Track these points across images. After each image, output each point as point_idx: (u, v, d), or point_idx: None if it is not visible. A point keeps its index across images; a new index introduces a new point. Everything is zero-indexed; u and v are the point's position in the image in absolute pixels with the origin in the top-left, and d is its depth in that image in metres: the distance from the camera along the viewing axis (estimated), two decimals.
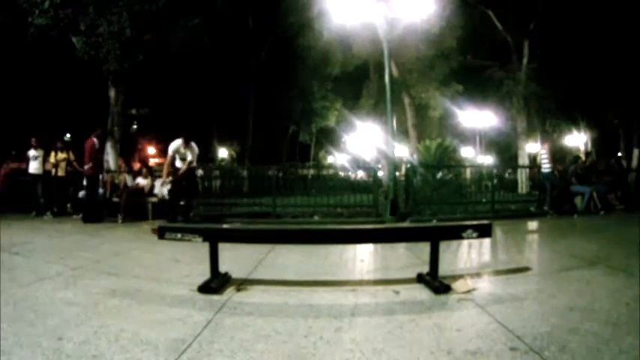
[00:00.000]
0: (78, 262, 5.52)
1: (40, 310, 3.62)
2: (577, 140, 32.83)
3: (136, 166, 15.64)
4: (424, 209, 11.54)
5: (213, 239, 4.36)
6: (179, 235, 4.40)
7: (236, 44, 27.34)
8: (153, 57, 16.03)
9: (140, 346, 2.85)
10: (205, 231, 4.55)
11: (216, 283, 4.22)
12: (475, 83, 27.10)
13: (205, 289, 4.10)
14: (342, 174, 19.94)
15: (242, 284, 4.37)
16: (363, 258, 6.11)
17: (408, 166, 13.57)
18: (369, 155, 34.36)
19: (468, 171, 16.57)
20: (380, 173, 13.58)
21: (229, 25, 25.09)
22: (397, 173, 12.24)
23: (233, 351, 2.79)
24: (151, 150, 36.86)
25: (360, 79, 29.90)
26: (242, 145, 32.99)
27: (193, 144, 10.25)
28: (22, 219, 11.34)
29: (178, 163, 10.17)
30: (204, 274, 4.39)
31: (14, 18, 15.08)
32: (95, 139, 11.19)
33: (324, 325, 3.25)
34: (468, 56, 25.98)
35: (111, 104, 15.45)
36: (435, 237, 4.40)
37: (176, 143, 10.11)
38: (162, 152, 32.27)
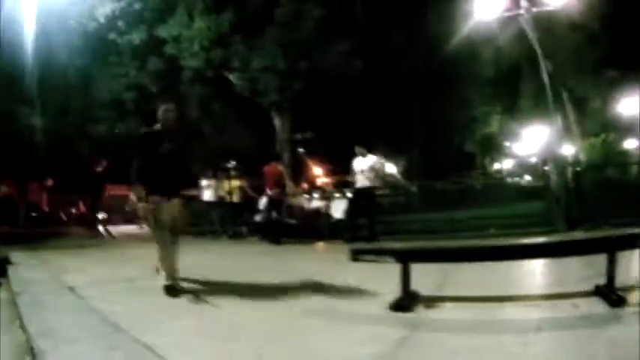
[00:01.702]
0: (264, 282, 6.04)
1: (237, 328, 4.09)
2: None
3: (304, 186, 16.60)
4: (595, 213, 10.94)
5: (406, 260, 4.59)
6: (373, 257, 4.78)
7: (389, 59, 27.66)
8: (311, 83, 16.91)
9: None
10: (399, 252, 4.79)
11: (407, 301, 4.44)
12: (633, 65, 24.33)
13: (397, 307, 4.35)
14: (510, 180, 19.38)
15: (431, 301, 4.56)
16: (541, 270, 6.09)
17: (578, 168, 12.94)
18: (535, 158, 32.92)
19: None
20: (549, 176, 13.14)
21: (379, 42, 25.58)
22: (565, 175, 11.82)
23: None
24: (318, 170, 38.31)
25: (515, 78, 28.91)
26: (409, 160, 33.17)
27: (371, 157, 10.76)
28: (198, 243, 12.22)
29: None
30: (393, 291, 4.58)
31: (169, 63, 16.81)
32: (280, 167, 12.19)
33: (513, 341, 3.36)
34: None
35: (277, 131, 16.55)
36: (612, 248, 4.29)
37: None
38: (330, 172, 33.37)
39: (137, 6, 15.89)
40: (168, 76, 18.27)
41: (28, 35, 15.80)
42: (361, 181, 10.66)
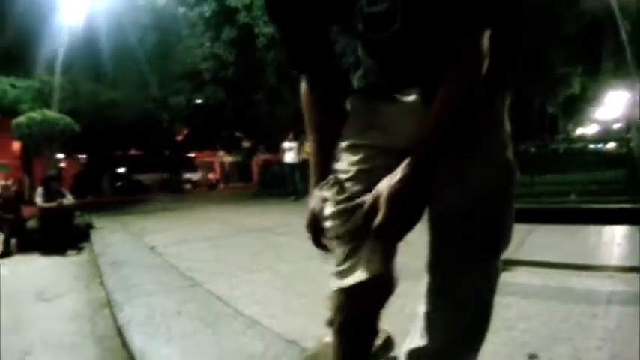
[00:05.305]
0: None
1: (309, 282, 4.18)
2: None
3: None
4: None
5: None
6: None
7: None
8: None
9: None
10: None
11: None
12: None
13: None
14: (592, 147, 18.51)
15: (507, 264, 4.44)
16: (619, 241, 5.82)
17: None
18: (619, 124, 31.13)
19: None
20: (632, 143, 12.47)
21: None
22: None
23: (497, 329, 3.05)
24: None
25: (596, 37, 27.24)
26: None
27: None
28: (281, 203, 12.77)
29: None
30: None
31: (243, 31, 16.92)
32: None
33: (582, 311, 3.31)
34: None
35: None
36: None
37: None
38: None
39: None
40: (244, 43, 18.42)
41: (101, 16, 16.41)
42: None
